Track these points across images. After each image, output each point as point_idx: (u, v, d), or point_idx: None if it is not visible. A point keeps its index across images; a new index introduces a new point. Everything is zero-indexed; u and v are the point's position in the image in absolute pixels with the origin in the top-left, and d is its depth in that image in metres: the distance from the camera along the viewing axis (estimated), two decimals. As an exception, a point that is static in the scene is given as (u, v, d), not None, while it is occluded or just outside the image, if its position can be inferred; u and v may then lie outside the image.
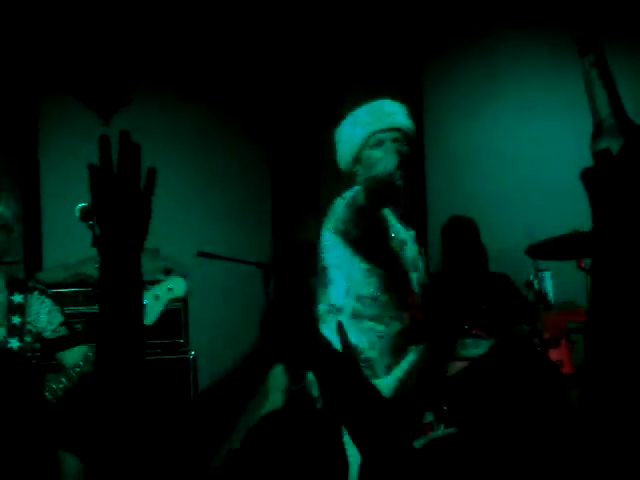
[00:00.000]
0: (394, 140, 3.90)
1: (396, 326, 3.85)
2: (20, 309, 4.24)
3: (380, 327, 3.82)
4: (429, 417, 4.52)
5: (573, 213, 6.41)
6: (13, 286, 4.30)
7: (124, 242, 2.02)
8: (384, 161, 3.65)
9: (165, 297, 4.07)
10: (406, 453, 2.38)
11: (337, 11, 7.06)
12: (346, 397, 2.38)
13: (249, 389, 2.53)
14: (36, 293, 4.30)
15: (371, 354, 3.78)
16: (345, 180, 4.06)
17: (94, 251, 2.34)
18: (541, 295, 5.89)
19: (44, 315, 4.28)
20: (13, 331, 4.20)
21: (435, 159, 7.12)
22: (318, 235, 3.99)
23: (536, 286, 5.88)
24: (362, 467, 2.49)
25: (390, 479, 2.34)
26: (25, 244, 6.66)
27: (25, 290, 4.29)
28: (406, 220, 4.13)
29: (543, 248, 5.80)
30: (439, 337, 4.79)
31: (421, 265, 4.07)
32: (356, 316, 3.79)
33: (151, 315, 4.04)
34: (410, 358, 3.88)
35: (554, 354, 5.30)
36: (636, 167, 3.47)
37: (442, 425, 4.84)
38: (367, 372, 3.60)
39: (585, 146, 6.75)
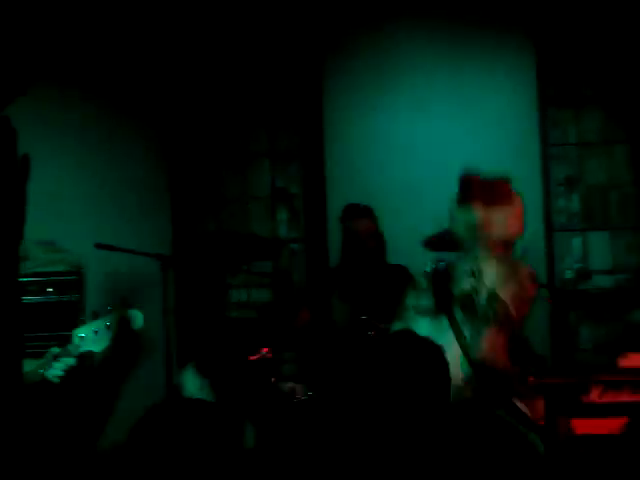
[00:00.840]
0: None
1: None
2: None
3: None
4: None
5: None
6: None
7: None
8: None
9: (115, 327, 4.02)
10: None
11: (233, 7, 7.08)
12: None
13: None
14: None
15: None
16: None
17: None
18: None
19: None
20: None
21: (335, 151, 7.17)
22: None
23: (430, 275, 5.93)
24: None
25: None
26: None
27: None
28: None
29: (440, 240, 5.87)
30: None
31: None
32: None
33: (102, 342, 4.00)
34: None
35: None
36: None
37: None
38: None
39: (479, 140, 6.92)
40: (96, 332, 4.01)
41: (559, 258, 6.87)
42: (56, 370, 3.89)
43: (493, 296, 4.49)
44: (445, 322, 4.72)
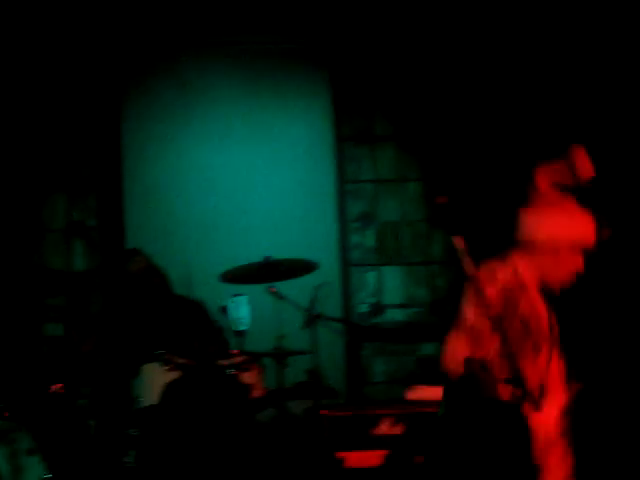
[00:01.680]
0: None
1: None
2: None
3: None
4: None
5: (267, 239, 6.65)
6: None
7: None
8: None
9: None
10: None
11: (34, 40, 6.92)
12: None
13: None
14: None
15: None
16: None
17: None
18: (236, 320, 5.98)
19: None
20: None
21: (134, 183, 7.09)
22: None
23: (231, 311, 5.96)
24: None
25: None
26: None
27: None
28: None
29: (236, 274, 5.91)
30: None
31: None
32: None
33: None
34: None
35: (246, 378, 5.40)
36: None
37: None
38: None
39: (277, 175, 6.99)
40: None
41: (354, 292, 7.01)
42: None
43: None
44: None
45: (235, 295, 5.94)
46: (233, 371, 5.34)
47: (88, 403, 6.10)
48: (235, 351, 5.50)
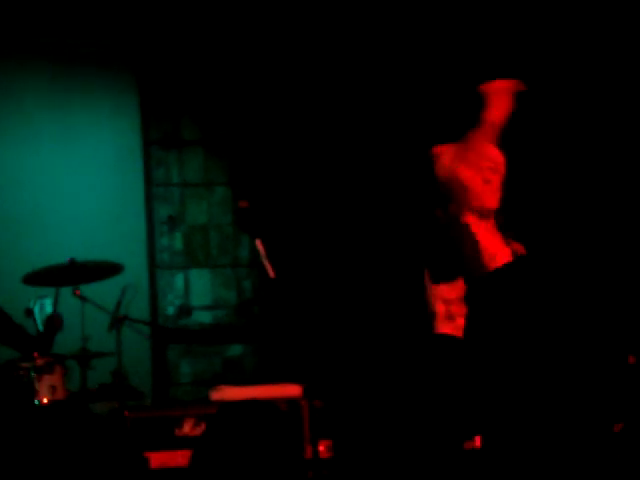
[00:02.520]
0: None
1: None
2: None
3: None
4: None
5: (73, 241, 6.62)
6: None
7: None
8: None
9: None
10: None
11: None
12: None
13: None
14: None
15: None
16: None
17: None
18: (41, 322, 5.94)
19: None
20: None
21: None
22: None
23: (37, 313, 5.91)
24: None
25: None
26: None
27: None
28: None
29: (41, 276, 5.87)
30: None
31: None
32: None
33: None
34: None
35: (48, 379, 5.38)
36: None
37: None
38: None
39: (85, 179, 6.95)
40: None
41: (162, 295, 7.05)
42: None
43: None
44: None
45: (39, 297, 5.91)
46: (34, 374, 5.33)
47: None
48: (36, 353, 5.46)
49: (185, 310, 7.07)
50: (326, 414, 5.58)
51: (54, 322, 5.73)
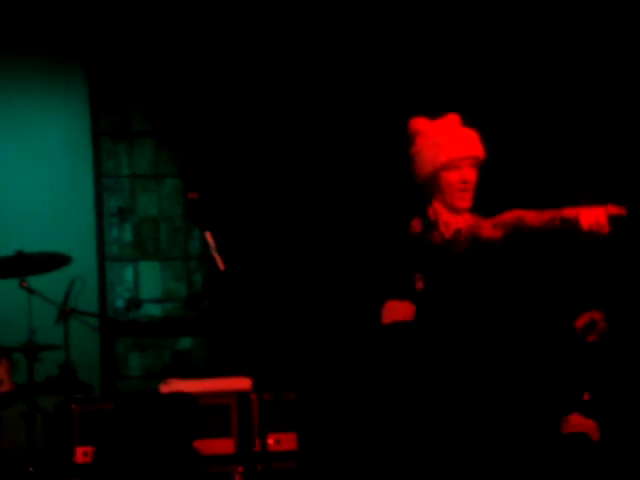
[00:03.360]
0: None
1: None
2: None
3: None
4: None
5: (21, 233, 6.55)
6: None
7: None
8: None
9: None
10: None
11: None
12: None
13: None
14: None
15: None
16: None
17: None
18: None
19: None
20: None
21: None
22: None
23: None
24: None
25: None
26: None
27: None
28: None
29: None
30: None
31: None
32: None
33: None
34: None
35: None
36: None
37: None
38: None
39: (33, 172, 6.88)
40: None
41: (111, 287, 7.00)
42: None
43: None
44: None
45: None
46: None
47: None
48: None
49: (134, 303, 7.03)
50: (290, 407, 5.60)
51: None
